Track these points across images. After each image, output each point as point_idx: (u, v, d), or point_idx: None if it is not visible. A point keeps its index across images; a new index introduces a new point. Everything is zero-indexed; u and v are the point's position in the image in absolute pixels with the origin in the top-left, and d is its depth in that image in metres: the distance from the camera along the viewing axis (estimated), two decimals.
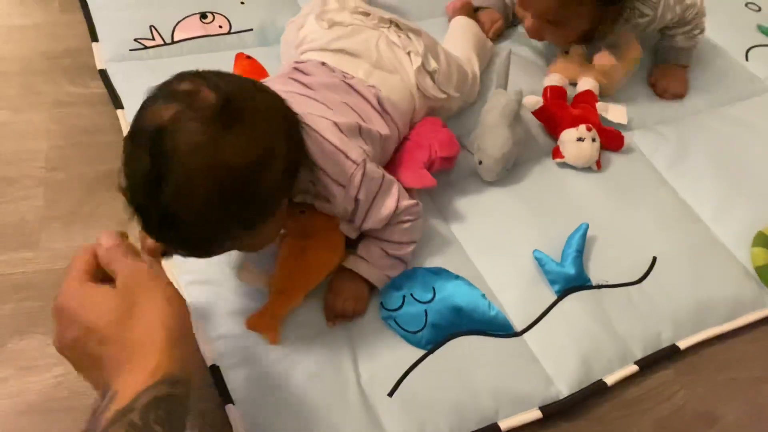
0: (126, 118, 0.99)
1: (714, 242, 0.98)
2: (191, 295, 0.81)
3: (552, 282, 0.88)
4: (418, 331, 0.81)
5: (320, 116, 0.78)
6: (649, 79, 1.21)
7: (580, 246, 0.90)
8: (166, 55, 1.09)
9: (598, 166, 1.04)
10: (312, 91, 0.83)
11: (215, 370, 0.75)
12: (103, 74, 1.06)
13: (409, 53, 0.95)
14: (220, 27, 1.16)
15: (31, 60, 1.10)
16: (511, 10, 1.25)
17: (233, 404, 0.73)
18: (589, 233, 0.91)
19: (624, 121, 1.09)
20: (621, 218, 0.97)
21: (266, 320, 0.77)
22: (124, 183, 0.63)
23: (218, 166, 0.61)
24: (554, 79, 1.13)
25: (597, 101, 1.10)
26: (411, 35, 0.96)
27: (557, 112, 1.06)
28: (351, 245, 0.84)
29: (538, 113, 1.06)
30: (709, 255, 0.96)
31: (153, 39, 1.12)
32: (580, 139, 1.02)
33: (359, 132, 0.83)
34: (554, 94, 1.10)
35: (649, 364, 0.84)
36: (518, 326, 0.84)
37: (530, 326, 0.84)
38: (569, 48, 1.16)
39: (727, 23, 1.33)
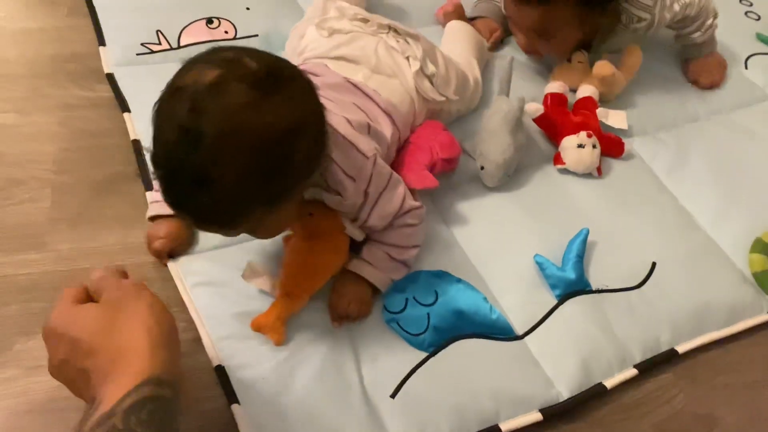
0: (132, 121, 1.00)
1: (713, 248, 0.99)
2: (197, 296, 0.82)
3: (553, 286, 0.89)
4: (420, 334, 0.81)
5: (332, 112, 0.79)
6: (687, 76, 1.24)
7: (581, 251, 0.91)
8: (173, 60, 1.09)
9: (599, 172, 1.05)
10: (321, 90, 0.84)
11: (221, 371, 0.76)
12: (111, 78, 1.07)
13: (407, 57, 0.96)
14: (226, 32, 1.17)
15: (38, 63, 1.11)
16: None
17: (239, 404, 0.73)
18: (589, 238, 0.92)
19: (624, 126, 1.10)
20: (621, 224, 0.98)
21: (271, 321, 0.78)
22: (153, 146, 0.63)
23: (258, 128, 0.62)
24: (555, 86, 1.14)
25: (597, 107, 1.11)
26: (409, 40, 0.98)
27: (558, 119, 1.07)
28: (354, 250, 0.85)
29: (539, 120, 1.07)
30: (708, 260, 0.97)
31: (159, 43, 1.13)
32: (580, 146, 1.03)
33: (368, 131, 0.84)
34: (555, 101, 1.11)
35: (649, 367, 0.85)
36: (519, 329, 0.85)
37: (531, 330, 0.85)
38: (570, 56, 1.18)
39: (727, 32, 1.33)
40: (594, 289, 0.90)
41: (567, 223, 0.96)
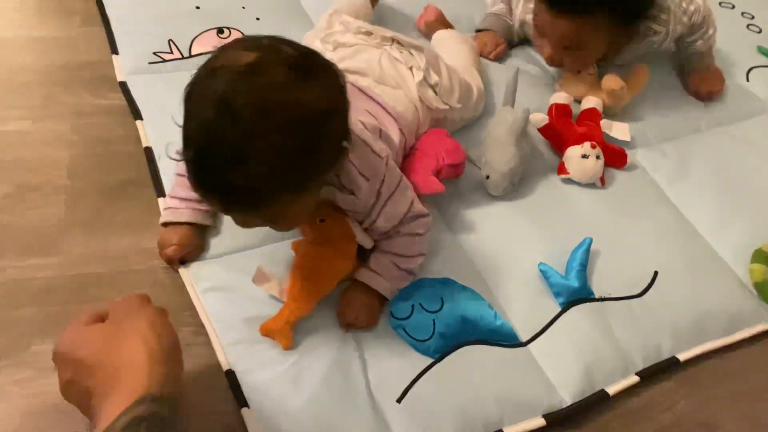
0: (145, 129, 1.02)
1: (714, 257, 1.00)
2: (207, 301, 0.83)
3: (556, 294, 0.90)
4: (426, 340, 0.83)
5: None
6: (688, 89, 1.25)
7: (584, 260, 0.92)
8: (184, 69, 1.11)
9: (602, 182, 1.06)
10: None
11: (231, 375, 0.77)
12: (123, 86, 1.09)
13: (411, 68, 0.98)
14: None
15: (52, 71, 1.12)
16: (516, 33, 1.27)
17: (248, 408, 0.75)
18: (592, 247, 0.94)
19: (627, 137, 1.12)
20: (623, 233, 1.00)
21: (280, 326, 0.80)
22: (185, 126, 0.64)
23: (295, 107, 0.63)
24: (559, 97, 1.16)
25: (601, 119, 1.12)
26: (413, 51, 1.00)
27: (562, 130, 1.08)
28: (360, 257, 0.86)
29: (543, 130, 1.08)
30: (709, 270, 0.98)
31: (171, 53, 1.15)
32: (584, 156, 1.04)
33: (380, 135, 0.86)
34: (559, 111, 1.13)
35: (650, 375, 0.86)
36: (523, 336, 0.87)
37: (535, 337, 0.87)
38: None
39: (729, 44, 1.36)
40: (597, 297, 0.91)
41: (570, 231, 0.97)
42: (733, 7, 1.52)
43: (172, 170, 0.94)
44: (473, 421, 0.78)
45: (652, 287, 0.94)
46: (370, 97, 0.92)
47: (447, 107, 1.00)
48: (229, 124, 0.61)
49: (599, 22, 1.05)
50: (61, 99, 1.08)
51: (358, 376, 0.79)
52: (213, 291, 0.85)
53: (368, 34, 1.02)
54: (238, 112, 0.61)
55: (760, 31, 1.46)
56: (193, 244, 0.87)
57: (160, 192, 0.94)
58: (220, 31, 1.20)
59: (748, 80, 1.33)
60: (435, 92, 0.99)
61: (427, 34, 1.25)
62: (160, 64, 1.13)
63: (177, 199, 0.88)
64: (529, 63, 1.26)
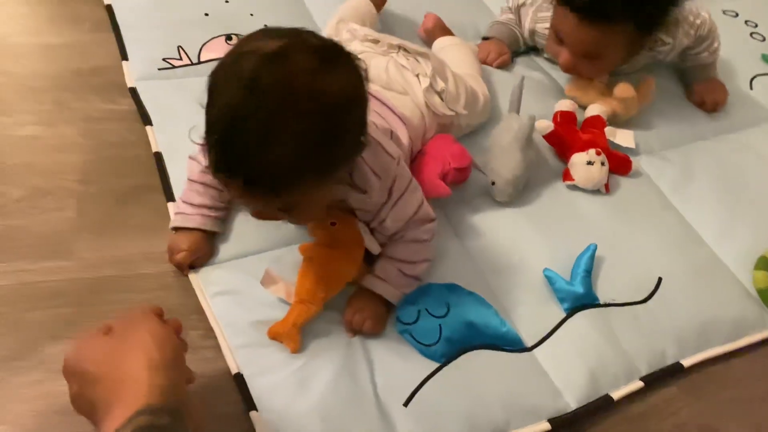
0: (155, 134, 1.03)
1: (717, 264, 1.01)
2: (216, 305, 0.84)
3: (561, 300, 0.91)
4: (432, 345, 0.84)
5: None
6: (693, 99, 1.26)
7: (589, 266, 0.93)
8: (193, 75, 1.12)
9: (607, 189, 1.07)
10: None
11: (239, 378, 0.78)
12: (133, 92, 1.10)
13: (417, 75, 0.99)
14: None
15: (63, 77, 1.13)
16: (522, 42, 1.28)
17: (257, 411, 0.75)
18: (597, 253, 0.95)
19: (632, 144, 1.13)
20: (628, 240, 1.01)
21: (287, 329, 0.80)
22: (209, 110, 0.65)
23: (321, 91, 0.64)
24: (564, 104, 1.17)
25: (605, 126, 1.13)
26: (419, 58, 1.01)
27: (567, 137, 1.09)
28: (366, 262, 0.87)
29: (549, 137, 1.09)
30: (713, 276, 0.99)
31: (180, 59, 1.16)
32: (589, 163, 1.05)
33: (391, 136, 0.87)
34: (564, 118, 1.14)
35: (654, 380, 0.87)
36: (529, 342, 0.87)
37: (540, 342, 0.88)
38: None
39: (732, 52, 1.36)
40: (601, 303, 0.92)
41: (575, 238, 0.98)
42: (737, 15, 1.53)
43: (181, 176, 0.94)
44: (479, 425, 0.79)
45: (657, 293, 0.95)
46: (380, 101, 0.93)
47: (453, 113, 1.02)
48: (256, 106, 0.62)
49: (622, 32, 1.05)
50: (71, 104, 1.09)
51: (365, 379, 0.80)
52: (221, 295, 0.85)
53: (375, 42, 1.03)
54: (265, 94, 0.62)
55: (763, 40, 1.46)
56: (203, 250, 0.88)
57: (170, 197, 0.95)
58: (228, 38, 1.21)
59: (751, 88, 1.34)
60: (441, 98, 1.00)
61: (428, 42, 1.25)
62: (170, 70, 1.14)
63: (188, 204, 0.89)
64: (535, 70, 1.27)
